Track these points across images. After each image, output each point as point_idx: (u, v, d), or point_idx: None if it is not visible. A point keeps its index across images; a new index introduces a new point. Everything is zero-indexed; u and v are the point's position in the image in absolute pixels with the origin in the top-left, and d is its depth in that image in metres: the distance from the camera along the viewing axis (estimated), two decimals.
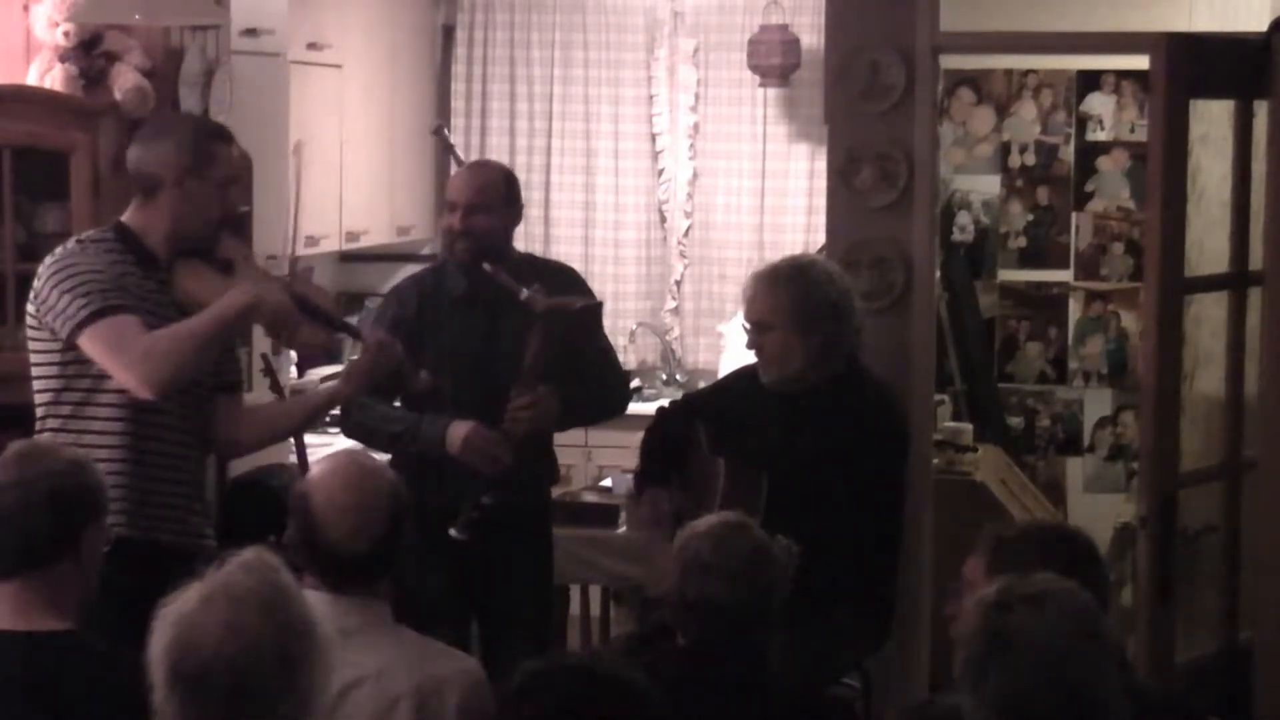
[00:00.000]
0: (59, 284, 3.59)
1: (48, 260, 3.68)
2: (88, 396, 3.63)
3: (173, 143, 3.71)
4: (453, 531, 4.19)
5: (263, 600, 2.37)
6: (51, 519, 2.89)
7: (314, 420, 4.31)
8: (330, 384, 4.06)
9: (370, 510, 3.03)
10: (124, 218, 3.76)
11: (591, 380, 4.42)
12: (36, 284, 3.66)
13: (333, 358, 6.41)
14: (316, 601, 3.04)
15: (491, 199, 4.36)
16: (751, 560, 3.13)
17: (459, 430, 4.22)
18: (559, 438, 4.58)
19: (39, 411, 3.69)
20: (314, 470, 3.17)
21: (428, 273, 4.59)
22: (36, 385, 3.69)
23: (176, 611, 2.36)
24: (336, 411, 4.70)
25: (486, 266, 4.28)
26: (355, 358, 4.00)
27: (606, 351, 4.59)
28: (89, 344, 3.56)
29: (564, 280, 4.47)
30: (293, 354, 6.14)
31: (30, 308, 3.68)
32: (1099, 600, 2.53)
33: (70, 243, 3.72)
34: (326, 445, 6.02)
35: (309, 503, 3.05)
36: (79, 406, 3.64)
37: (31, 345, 3.70)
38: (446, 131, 5.27)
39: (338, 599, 3.03)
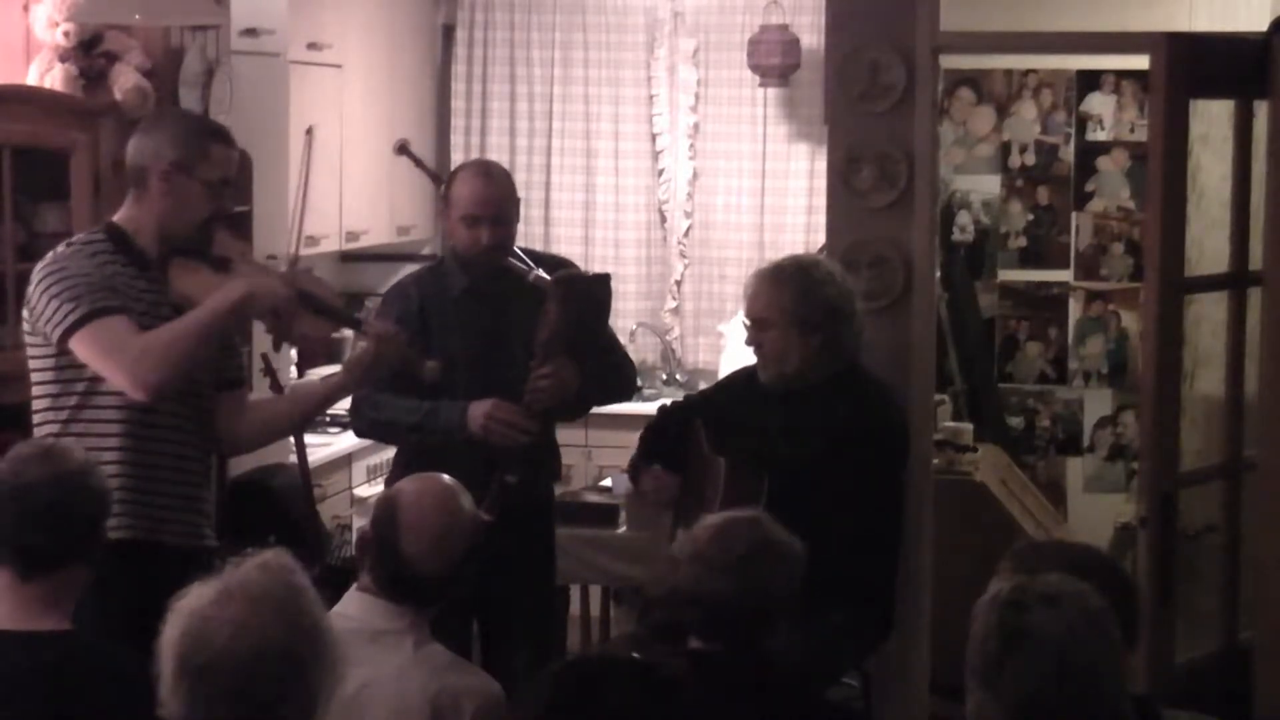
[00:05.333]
0: (47, 289, 3.58)
1: (39, 265, 3.67)
2: (84, 399, 3.63)
3: (166, 136, 3.68)
4: (481, 514, 4.18)
5: (277, 601, 2.39)
6: (76, 522, 2.90)
7: (318, 413, 4.29)
8: (333, 377, 4.02)
9: (453, 537, 3.11)
10: (116, 216, 3.75)
11: (603, 357, 4.42)
12: (29, 289, 3.65)
13: (332, 357, 6.41)
14: (354, 599, 3.07)
15: (511, 207, 4.40)
16: (749, 555, 3.11)
17: (480, 408, 4.21)
18: (558, 435, 4.58)
19: (37, 419, 3.69)
20: (409, 482, 3.20)
21: (426, 271, 4.59)
22: (35, 390, 3.69)
23: (191, 604, 2.38)
24: (343, 410, 4.70)
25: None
26: (358, 350, 3.96)
27: (613, 335, 4.60)
28: (80, 348, 3.54)
29: (563, 268, 4.48)
30: (293, 353, 6.14)
31: (25, 312, 3.68)
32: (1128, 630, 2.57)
33: (60, 247, 3.70)
34: (326, 445, 6.03)
35: (397, 512, 3.09)
36: (76, 410, 3.63)
37: (28, 350, 3.70)
38: (410, 149, 5.25)
39: (378, 601, 3.05)
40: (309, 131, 5.59)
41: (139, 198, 3.70)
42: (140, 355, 3.51)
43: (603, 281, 4.39)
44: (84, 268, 3.60)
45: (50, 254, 3.70)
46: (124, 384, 3.52)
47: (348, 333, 6.21)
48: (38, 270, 3.65)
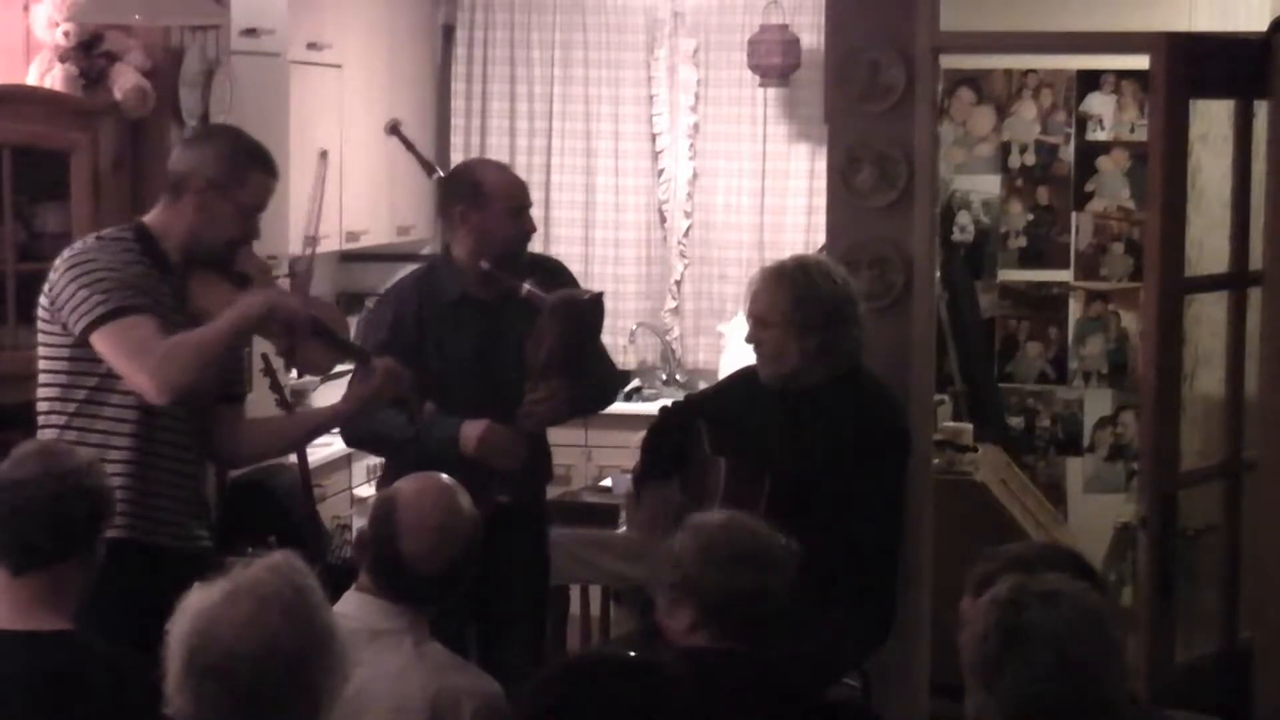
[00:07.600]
0: (76, 278, 3.57)
1: (65, 254, 3.66)
2: (93, 395, 3.62)
3: (211, 152, 3.71)
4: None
5: (286, 602, 2.39)
6: (70, 518, 2.90)
7: (313, 437, 4.35)
8: (331, 404, 4.06)
9: (452, 536, 3.08)
10: (147, 218, 3.75)
11: (592, 372, 4.42)
12: (52, 276, 3.63)
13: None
14: (353, 599, 3.07)
15: None
16: (743, 557, 3.10)
17: (473, 429, 4.20)
18: (558, 436, 4.58)
19: (42, 406, 3.67)
20: (407, 482, 3.19)
21: (422, 274, 4.58)
22: (42, 379, 3.68)
23: (199, 603, 2.39)
24: None
25: (484, 264, 4.28)
26: (361, 379, 3.96)
27: (600, 346, 4.59)
28: (102, 342, 3.53)
29: (556, 275, 4.47)
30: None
31: (43, 300, 3.65)
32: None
33: (90, 238, 3.70)
34: (326, 445, 6.02)
35: (396, 512, 3.08)
36: (84, 404, 3.62)
37: (40, 339, 3.68)
38: (402, 130, 5.21)
39: (377, 601, 3.05)
40: (323, 155, 5.55)
41: (172, 205, 3.71)
42: (165, 357, 3.50)
43: (597, 302, 4.38)
44: (113, 262, 3.59)
45: (79, 243, 3.69)
46: (145, 385, 3.51)
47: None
48: (64, 258, 3.64)
